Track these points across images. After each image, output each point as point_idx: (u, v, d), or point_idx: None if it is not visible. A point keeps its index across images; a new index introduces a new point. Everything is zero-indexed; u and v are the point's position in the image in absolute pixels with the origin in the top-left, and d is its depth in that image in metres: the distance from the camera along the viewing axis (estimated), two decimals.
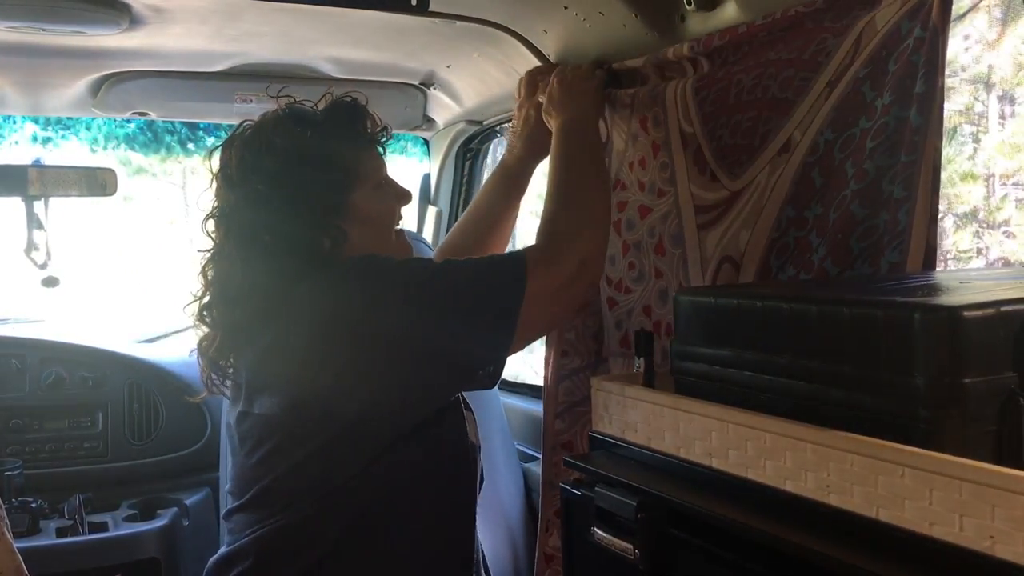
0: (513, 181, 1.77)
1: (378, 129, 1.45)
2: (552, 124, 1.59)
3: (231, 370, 1.35)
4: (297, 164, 1.33)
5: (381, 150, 1.45)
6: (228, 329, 1.34)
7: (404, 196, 1.46)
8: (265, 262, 1.30)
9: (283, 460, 1.26)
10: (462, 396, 1.43)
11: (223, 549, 1.35)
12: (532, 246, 1.38)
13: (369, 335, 1.25)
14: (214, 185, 1.37)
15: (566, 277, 1.34)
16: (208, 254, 1.36)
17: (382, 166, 1.44)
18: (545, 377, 1.83)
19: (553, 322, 1.57)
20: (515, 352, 1.34)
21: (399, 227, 1.46)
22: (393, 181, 1.46)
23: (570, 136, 1.54)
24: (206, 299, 1.36)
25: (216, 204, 1.36)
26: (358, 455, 1.25)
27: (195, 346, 1.39)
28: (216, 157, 1.38)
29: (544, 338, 1.82)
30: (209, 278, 1.35)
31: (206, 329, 1.36)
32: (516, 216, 1.80)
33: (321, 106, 1.41)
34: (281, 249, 1.30)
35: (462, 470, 1.38)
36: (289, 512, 1.26)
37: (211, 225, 1.36)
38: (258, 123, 1.38)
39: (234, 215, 1.33)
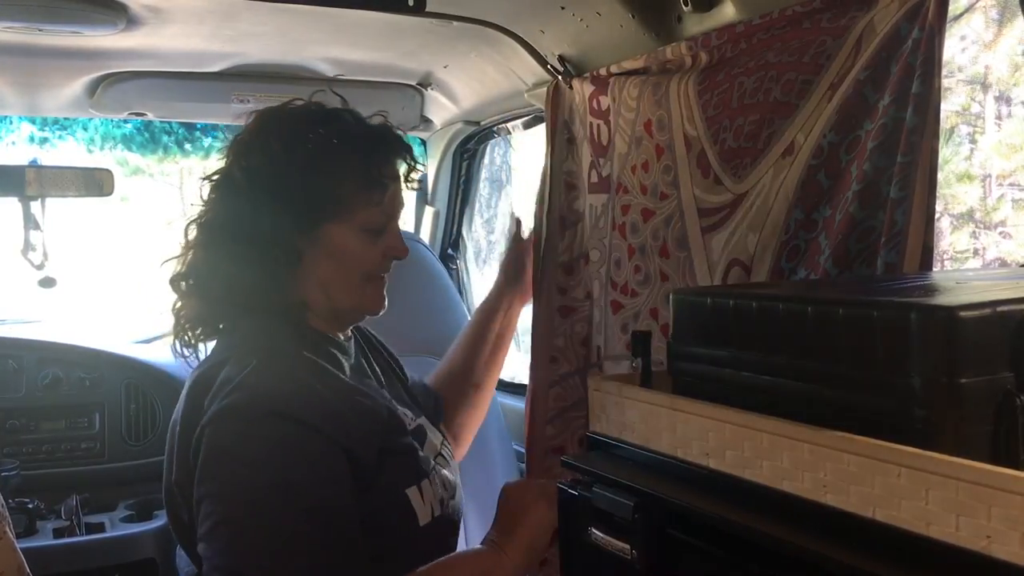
0: (492, 321, 1.76)
1: (407, 170, 1.39)
2: (500, 543, 1.33)
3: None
4: (286, 170, 1.28)
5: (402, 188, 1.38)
6: (195, 309, 1.33)
7: (392, 252, 1.37)
8: (234, 253, 1.28)
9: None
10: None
11: None
12: None
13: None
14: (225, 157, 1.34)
15: None
16: (198, 219, 1.33)
17: (381, 213, 1.34)
18: (531, 383, 1.83)
19: None
20: None
21: (386, 272, 1.38)
22: (393, 235, 1.37)
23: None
24: (187, 281, 1.33)
25: (218, 174, 1.33)
26: None
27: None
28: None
29: (528, 344, 1.83)
30: (188, 260, 1.33)
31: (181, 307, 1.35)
32: (503, 355, 1.78)
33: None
34: (248, 242, 1.27)
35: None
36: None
37: (211, 191, 1.33)
38: (286, 107, 1.34)
39: (228, 185, 1.31)
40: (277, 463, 1.16)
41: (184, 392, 1.30)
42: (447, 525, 1.38)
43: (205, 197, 1.33)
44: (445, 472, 1.42)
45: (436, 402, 1.67)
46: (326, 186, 1.29)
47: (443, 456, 1.48)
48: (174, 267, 1.34)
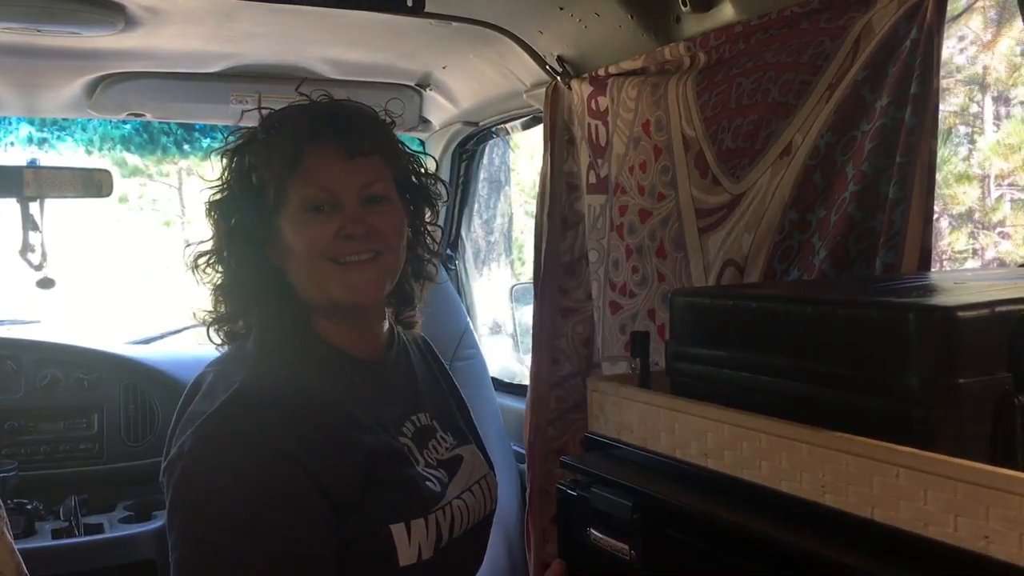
0: None
1: (342, 131, 1.26)
2: None
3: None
4: (239, 173, 1.27)
5: (352, 155, 1.26)
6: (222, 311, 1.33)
7: (344, 229, 1.23)
8: (237, 260, 1.28)
9: None
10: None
11: None
12: None
13: None
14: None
15: None
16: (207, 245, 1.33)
17: (321, 189, 1.23)
18: (532, 384, 1.82)
19: None
20: None
21: (359, 257, 1.24)
22: (355, 208, 1.24)
23: None
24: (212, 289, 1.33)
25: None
26: None
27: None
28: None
29: (530, 344, 1.82)
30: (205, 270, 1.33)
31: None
32: None
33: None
34: (237, 266, 1.28)
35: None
36: None
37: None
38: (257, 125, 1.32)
39: (216, 215, 1.31)
40: (245, 498, 1.12)
41: (184, 393, 1.28)
42: (436, 571, 1.25)
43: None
44: (465, 507, 1.32)
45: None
46: (262, 178, 1.24)
47: (471, 492, 1.36)
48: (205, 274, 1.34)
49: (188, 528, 1.13)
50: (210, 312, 1.34)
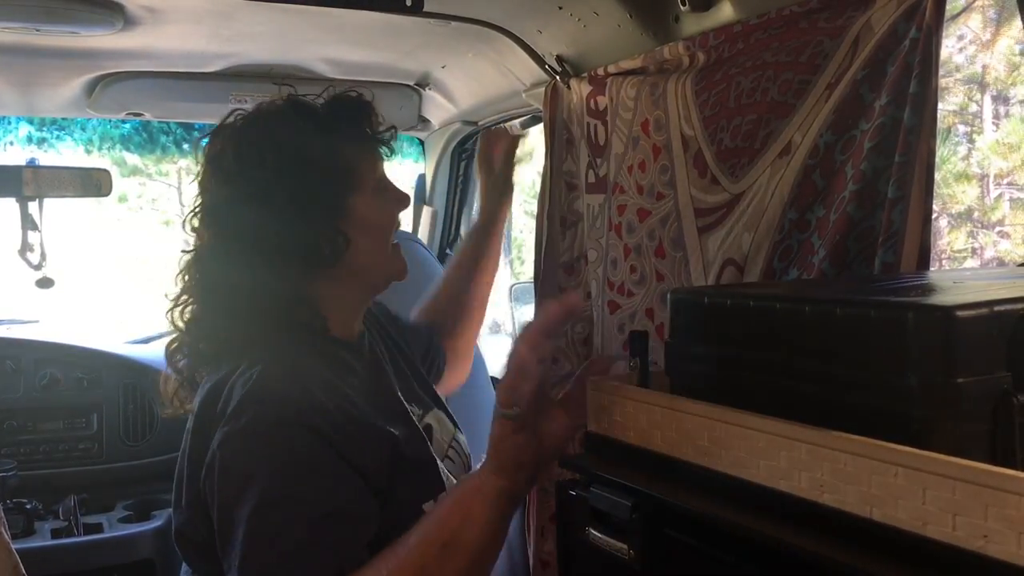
0: (485, 240, 1.76)
1: (382, 129, 1.37)
2: (484, 474, 1.14)
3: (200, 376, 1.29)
4: (298, 160, 1.25)
5: (386, 151, 1.39)
6: (207, 340, 1.27)
7: (403, 200, 1.39)
8: (257, 264, 1.23)
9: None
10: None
11: None
12: None
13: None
14: (202, 176, 1.28)
15: None
16: (193, 253, 1.28)
17: (381, 168, 1.37)
18: None
19: None
20: None
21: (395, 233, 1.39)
22: (392, 184, 1.39)
23: (492, 508, 1.12)
24: (188, 304, 1.28)
25: (205, 199, 1.28)
26: None
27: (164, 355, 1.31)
28: (206, 147, 1.29)
29: None
30: (194, 280, 1.28)
31: (183, 336, 1.29)
32: (497, 264, 1.79)
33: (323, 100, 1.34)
34: (276, 250, 1.23)
35: None
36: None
37: (197, 221, 1.28)
38: (256, 113, 1.30)
39: (228, 212, 1.25)
40: (292, 474, 1.13)
41: (196, 403, 1.25)
42: None
43: (199, 228, 1.29)
44: (452, 478, 1.37)
45: (430, 341, 1.65)
46: (329, 162, 1.27)
47: (449, 458, 1.44)
48: (175, 307, 1.30)
49: (238, 522, 1.12)
50: (187, 319, 1.30)
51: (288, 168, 1.25)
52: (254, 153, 1.25)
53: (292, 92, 1.34)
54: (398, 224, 1.40)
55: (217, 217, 1.27)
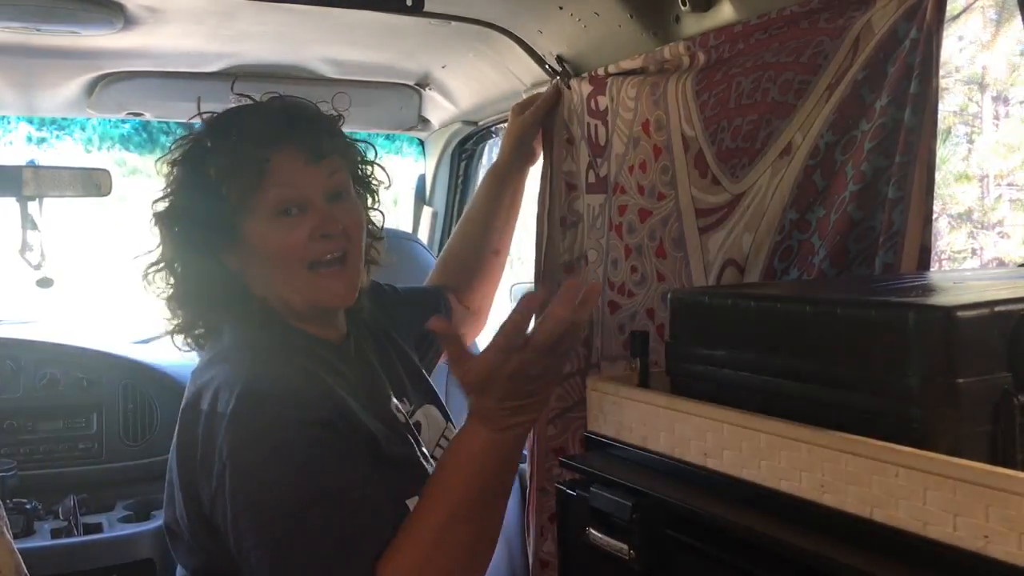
0: (505, 184, 1.78)
1: (322, 140, 1.29)
2: (473, 421, 1.12)
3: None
4: (193, 181, 1.28)
5: (316, 159, 1.27)
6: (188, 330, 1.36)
7: (317, 228, 1.25)
8: (192, 262, 1.30)
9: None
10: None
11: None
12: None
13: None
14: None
15: None
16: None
17: (288, 188, 1.25)
18: None
19: None
20: None
21: (333, 255, 1.27)
22: (321, 206, 1.27)
23: (489, 457, 1.11)
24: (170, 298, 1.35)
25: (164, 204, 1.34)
26: None
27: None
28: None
29: None
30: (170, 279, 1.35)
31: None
32: (516, 218, 1.80)
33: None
34: (190, 274, 1.30)
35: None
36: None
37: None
38: (193, 131, 1.34)
39: (160, 223, 1.32)
40: (313, 470, 1.13)
41: (183, 403, 1.27)
42: None
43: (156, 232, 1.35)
44: None
45: (439, 301, 1.67)
46: (226, 184, 1.24)
47: (441, 447, 1.45)
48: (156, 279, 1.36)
49: (255, 524, 1.12)
50: (169, 320, 1.36)
51: (184, 190, 1.29)
52: (171, 174, 1.31)
53: (240, 99, 1.35)
54: (323, 251, 1.26)
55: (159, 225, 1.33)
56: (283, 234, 1.25)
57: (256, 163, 1.24)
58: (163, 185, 1.32)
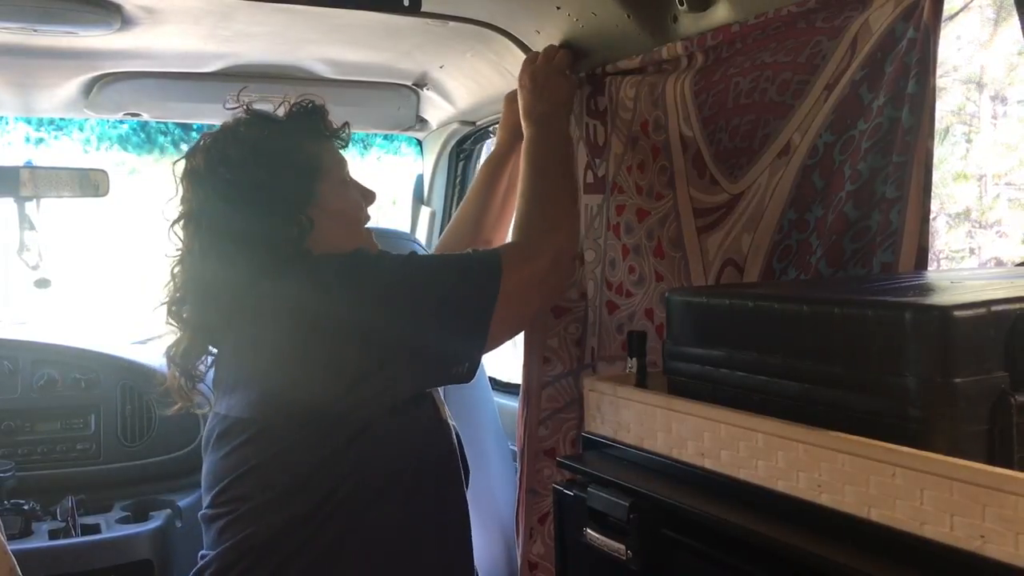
0: (501, 171, 1.80)
1: (337, 128, 1.47)
2: (523, 118, 1.60)
3: (201, 369, 1.38)
4: (262, 155, 1.34)
5: (342, 147, 1.48)
6: (199, 330, 1.36)
7: (369, 195, 1.49)
8: (234, 256, 1.31)
9: (256, 454, 1.26)
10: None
11: (204, 558, 1.35)
12: (507, 244, 1.41)
13: (345, 331, 1.25)
14: (180, 190, 1.38)
15: (540, 273, 1.37)
16: (177, 255, 1.38)
17: (344, 163, 1.47)
18: (523, 384, 1.82)
19: (526, 319, 1.55)
20: (491, 349, 1.36)
21: (368, 220, 1.48)
22: (356, 181, 1.49)
23: (540, 131, 1.56)
24: (176, 300, 1.37)
25: (183, 206, 1.38)
26: (332, 439, 1.25)
27: (164, 354, 1.40)
28: (181, 165, 1.40)
29: (522, 344, 1.82)
30: (178, 280, 1.37)
31: (176, 332, 1.38)
32: (511, 209, 1.80)
33: (282, 110, 1.44)
34: (249, 242, 1.31)
35: (439, 443, 1.39)
36: (261, 498, 1.26)
37: (179, 228, 1.38)
38: (222, 126, 1.41)
39: (202, 212, 1.35)
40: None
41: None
42: None
43: (182, 235, 1.37)
44: None
45: None
46: (299, 151, 1.37)
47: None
48: (164, 304, 1.39)
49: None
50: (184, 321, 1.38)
51: (252, 162, 1.34)
52: (221, 154, 1.35)
53: (252, 101, 1.43)
54: (367, 217, 1.48)
55: (194, 217, 1.35)
56: (351, 196, 1.45)
57: (321, 134, 1.43)
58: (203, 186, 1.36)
